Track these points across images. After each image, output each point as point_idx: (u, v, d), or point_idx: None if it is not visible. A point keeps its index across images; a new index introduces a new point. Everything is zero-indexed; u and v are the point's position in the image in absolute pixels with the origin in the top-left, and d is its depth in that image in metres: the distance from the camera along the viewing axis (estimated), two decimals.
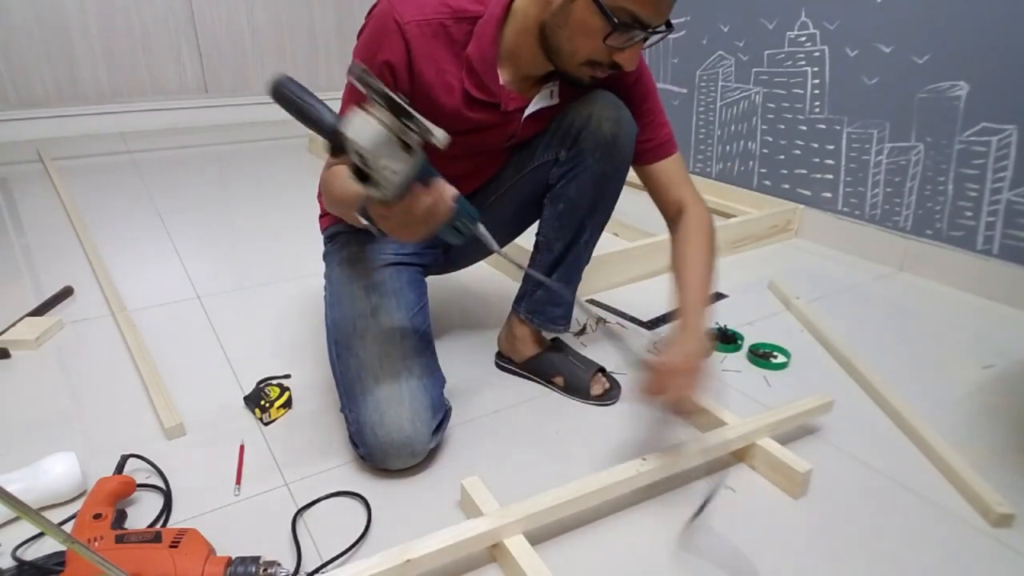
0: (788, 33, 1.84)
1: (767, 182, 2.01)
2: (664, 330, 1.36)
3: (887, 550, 0.82)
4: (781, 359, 1.25)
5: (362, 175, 0.69)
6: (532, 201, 1.10)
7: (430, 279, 1.19)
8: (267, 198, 2.21)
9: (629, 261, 1.59)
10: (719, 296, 1.52)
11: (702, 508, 0.85)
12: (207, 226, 1.94)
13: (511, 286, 1.53)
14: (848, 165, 1.78)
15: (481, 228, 0.80)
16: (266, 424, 1.04)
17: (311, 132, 3.05)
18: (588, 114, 0.99)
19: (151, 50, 3.04)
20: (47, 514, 0.84)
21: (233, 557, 0.73)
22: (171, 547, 0.71)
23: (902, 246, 1.68)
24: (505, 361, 1.20)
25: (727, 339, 1.30)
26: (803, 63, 1.82)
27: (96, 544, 0.72)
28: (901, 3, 1.58)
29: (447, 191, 0.72)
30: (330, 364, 1.02)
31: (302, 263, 1.65)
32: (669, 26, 0.87)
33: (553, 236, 1.08)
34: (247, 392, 1.11)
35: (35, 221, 1.94)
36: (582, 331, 1.35)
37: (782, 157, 1.95)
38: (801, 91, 1.85)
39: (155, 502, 0.87)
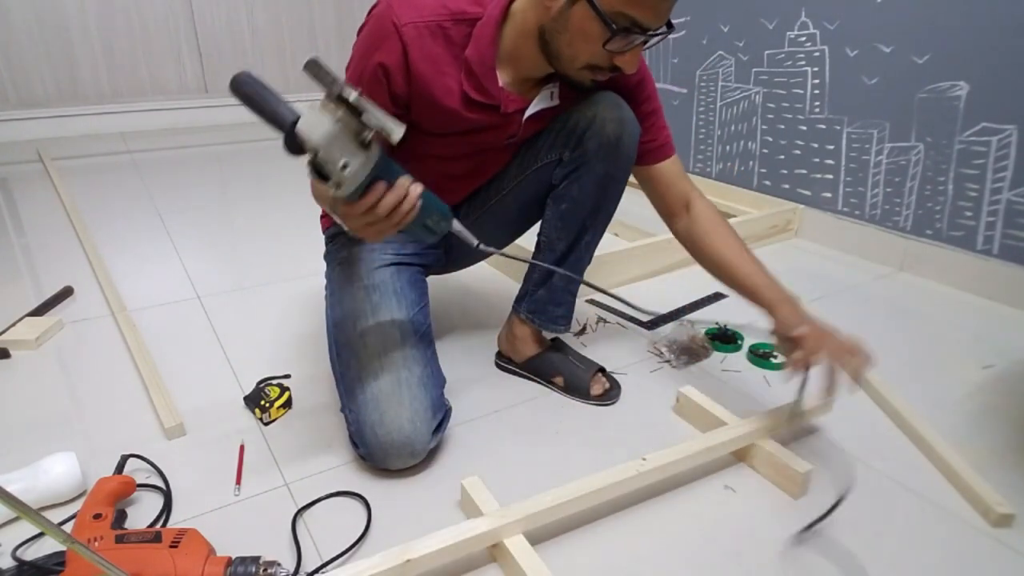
0: (788, 33, 1.84)
1: (767, 182, 2.01)
2: (665, 330, 1.36)
3: (887, 550, 0.82)
4: (781, 359, 1.25)
5: (321, 173, 0.67)
6: (534, 201, 1.10)
7: (430, 279, 1.19)
8: (267, 198, 2.21)
9: (629, 261, 1.59)
10: (719, 296, 1.52)
11: (832, 510, 0.84)
12: (207, 226, 1.94)
13: (511, 286, 1.53)
14: (848, 165, 1.78)
15: (457, 224, 0.79)
16: (266, 424, 1.04)
17: None
18: (592, 115, 0.99)
19: (151, 50, 3.04)
20: (47, 514, 0.84)
21: (233, 557, 0.73)
22: (171, 547, 0.71)
23: (902, 246, 1.68)
24: (505, 361, 1.20)
25: (727, 339, 1.30)
26: (803, 63, 1.82)
27: (96, 544, 0.72)
28: (901, 3, 1.58)
29: (413, 188, 0.72)
30: (330, 364, 1.02)
31: (302, 263, 1.65)
32: (670, 26, 0.86)
33: (555, 236, 1.08)
34: (247, 392, 1.11)
35: (35, 221, 1.94)
36: (582, 331, 1.35)
37: (782, 157, 1.95)
38: (801, 91, 1.85)
39: (155, 502, 0.88)
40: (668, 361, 1.24)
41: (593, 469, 0.86)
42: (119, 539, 0.73)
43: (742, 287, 1.02)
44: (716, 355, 1.28)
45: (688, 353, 1.25)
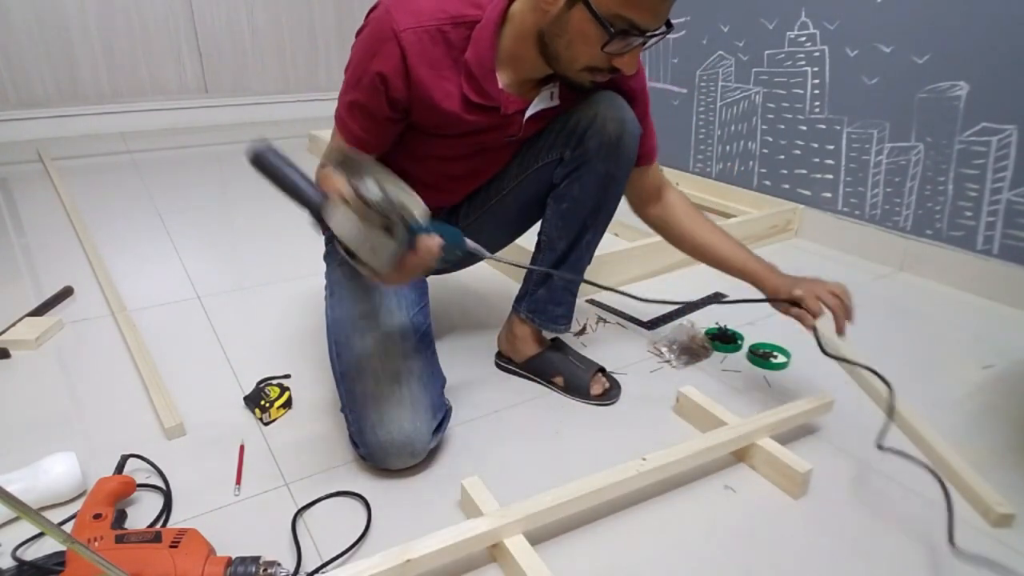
0: (788, 33, 1.84)
1: (767, 182, 2.01)
2: (665, 330, 1.36)
3: (887, 550, 0.82)
4: (781, 359, 1.25)
5: (351, 253, 0.74)
6: (535, 201, 1.10)
7: (430, 279, 1.18)
8: (267, 198, 2.21)
9: (629, 261, 1.59)
10: (719, 296, 1.52)
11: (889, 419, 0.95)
12: (207, 226, 1.94)
13: (511, 286, 1.53)
14: (848, 165, 1.78)
15: (470, 244, 0.82)
16: (266, 424, 1.04)
17: (311, 132, 3.01)
18: (593, 114, 0.99)
19: (151, 50, 3.04)
20: (47, 514, 0.84)
21: (233, 557, 0.73)
22: (171, 547, 0.71)
23: (902, 246, 1.68)
24: (505, 361, 1.20)
25: (727, 339, 1.30)
26: (803, 63, 1.82)
27: (96, 544, 0.72)
28: (901, 3, 1.58)
29: (432, 244, 0.74)
30: (330, 363, 1.02)
31: (302, 263, 1.65)
32: (669, 26, 0.87)
33: (556, 235, 1.08)
34: (247, 392, 1.11)
35: (35, 221, 1.94)
36: (582, 331, 1.35)
37: (782, 157, 1.95)
38: (801, 91, 1.85)
39: (155, 502, 0.87)
40: (668, 361, 1.24)
41: (593, 469, 0.86)
42: (119, 539, 0.73)
43: (726, 263, 1.10)
44: (716, 355, 1.28)
45: (688, 353, 1.25)
